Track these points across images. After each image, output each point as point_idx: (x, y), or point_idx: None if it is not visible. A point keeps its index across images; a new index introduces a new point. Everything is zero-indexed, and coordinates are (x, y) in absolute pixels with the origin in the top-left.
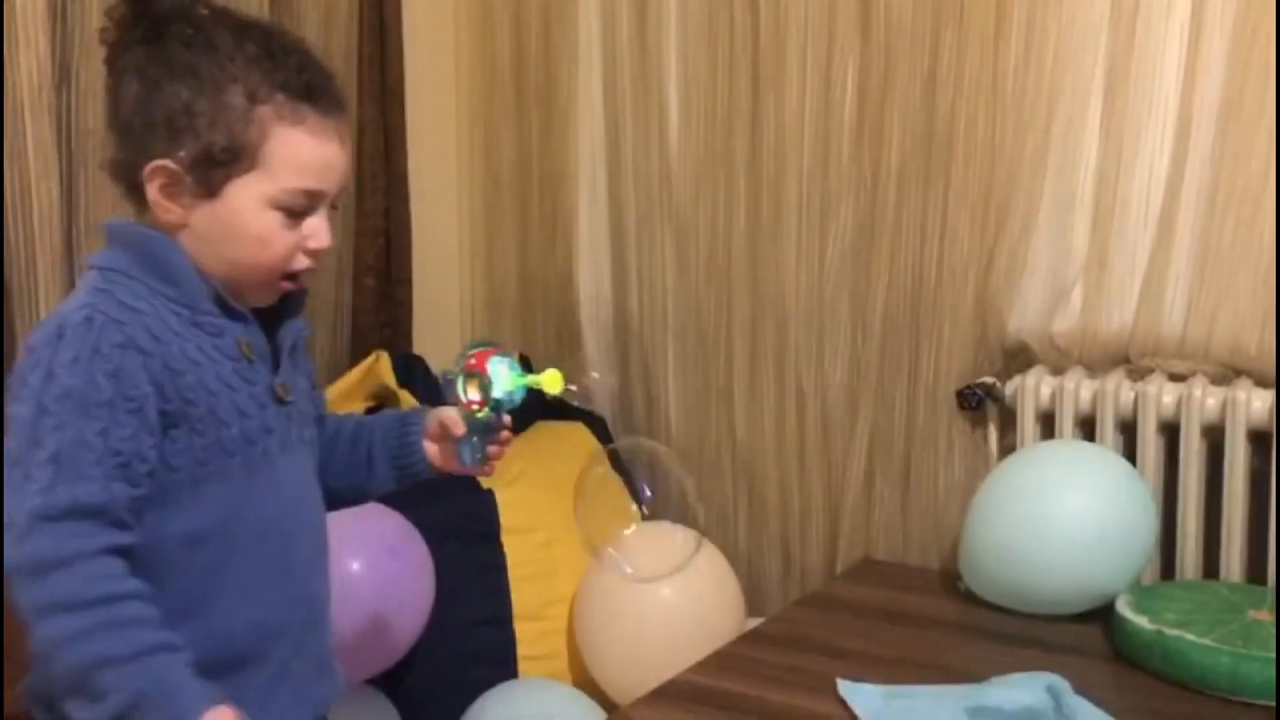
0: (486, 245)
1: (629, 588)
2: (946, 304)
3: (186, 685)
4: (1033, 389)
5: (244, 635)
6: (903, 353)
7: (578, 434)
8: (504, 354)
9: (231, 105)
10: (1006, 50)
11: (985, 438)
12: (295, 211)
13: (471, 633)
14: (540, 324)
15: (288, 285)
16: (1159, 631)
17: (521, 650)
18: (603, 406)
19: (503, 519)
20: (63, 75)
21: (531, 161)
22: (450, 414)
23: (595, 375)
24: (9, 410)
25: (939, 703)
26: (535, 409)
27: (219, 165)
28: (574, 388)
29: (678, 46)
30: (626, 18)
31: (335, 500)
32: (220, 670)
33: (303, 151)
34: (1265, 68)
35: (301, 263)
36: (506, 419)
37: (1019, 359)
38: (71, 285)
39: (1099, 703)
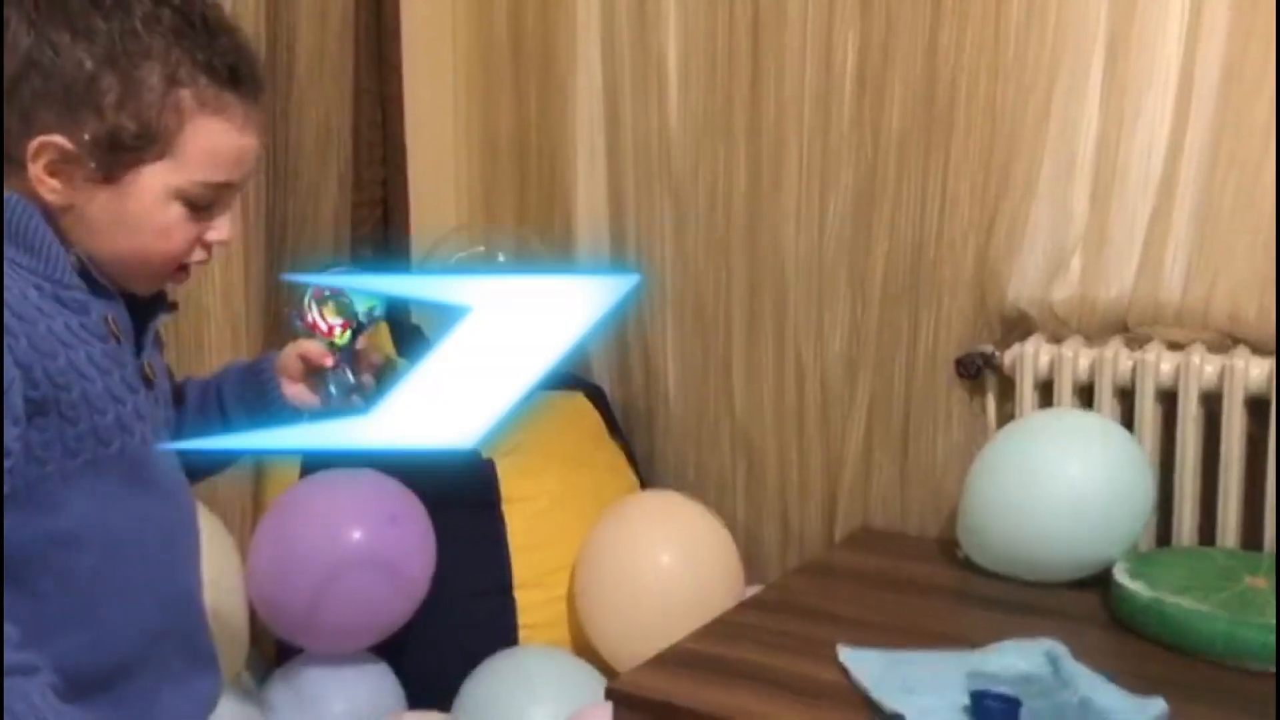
0: (485, 216)
1: (629, 557)
2: (946, 272)
3: (45, 712)
4: (1031, 357)
5: (129, 641)
6: (902, 321)
7: (577, 404)
8: (352, 271)
9: (146, 85)
10: (1008, 15)
11: (984, 406)
12: (200, 204)
13: (472, 601)
14: None
15: (180, 276)
16: (1156, 598)
17: (522, 618)
18: (601, 377)
19: (502, 488)
20: None
21: (529, 130)
22: (310, 345)
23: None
24: None
25: (939, 668)
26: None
27: (125, 150)
28: None
29: (677, 12)
30: None
31: (191, 471)
32: (105, 677)
33: (222, 144)
34: (1267, 33)
35: (198, 255)
36: (363, 344)
37: (1018, 327)
38: None
39: (1097, 668)
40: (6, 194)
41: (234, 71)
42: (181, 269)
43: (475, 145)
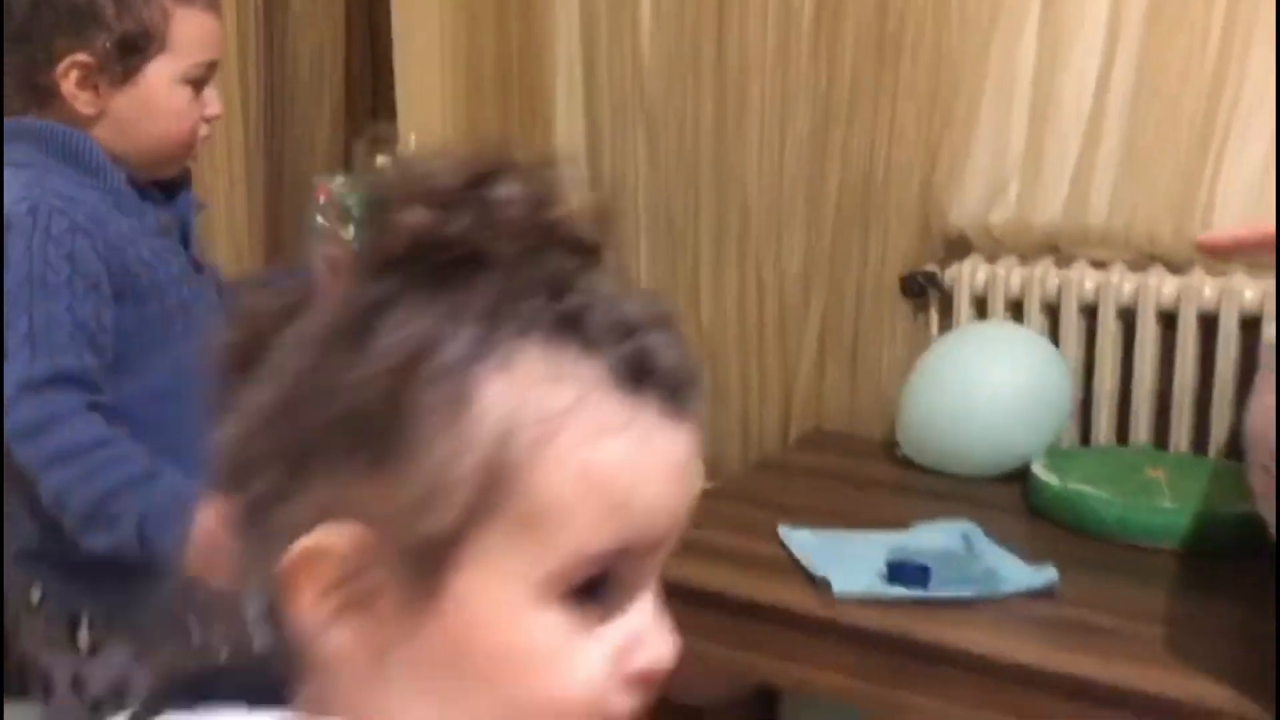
0: (472, 145)
1: None
2: (893, 198)
3: (186, 493)
4: (969, 275)
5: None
6: (853, 243)
7: None
8: (343, 177)
9: None
10: None
11: (926, 321)
12: (198, 84)
13: None
14: None
15: (193, 154)
16: (1065, 487)
17: None
18: None
19: None
20: None
21: (511, 64)
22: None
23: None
24: None
25: (866, 544)
26: None
27: (135, 52)
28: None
29: None
30: None
31: None
32: None
33: (202, 27)
34: None
35: (203, 131)
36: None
37: (958, 248)
38: None
39: (1010, 547)
40: (59, 125)
41: None
42: (192, 146)
43: (460, 78)
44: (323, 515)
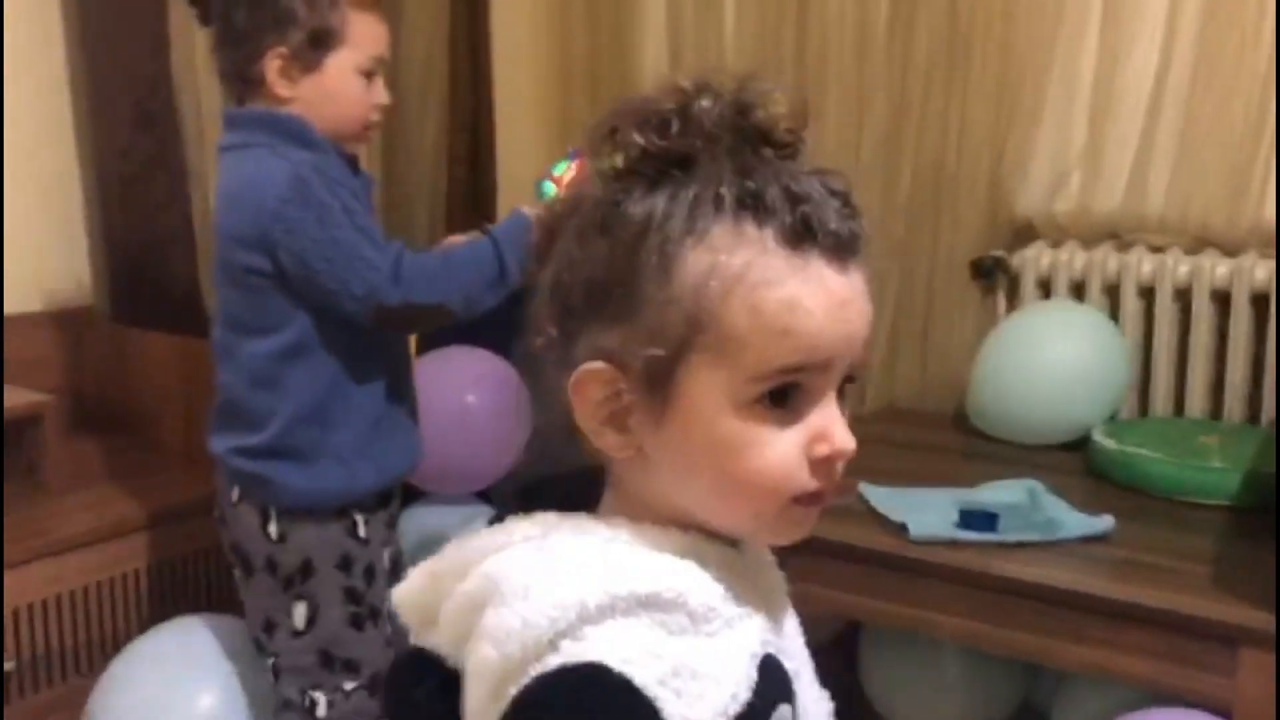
0: (561, 137)
1: None
2: (964, 187)
3: (517, 228)
4: (1034, 260)
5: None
6: (925, 229)
7: None
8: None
9: None
10: None
11: (994, 302)
12: (369, 75)
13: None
14: None
15: (367, 135)
16: (1122, 449)
17: None
18: None
19: None
20: None
21: (601, 64)
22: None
23: None
24: (298, 248)
25: (939, 497)
26: None
27: (321, 46)
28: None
29: None
30: None
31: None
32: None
33: (373, 28)
34: None
35: (375, 116)
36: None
37: (1024, 234)
38: None
39: (1071, 503)
40: (279, 111)
41: None
42: (366, 129)
43: (553, 76)
44: (587, 355)
